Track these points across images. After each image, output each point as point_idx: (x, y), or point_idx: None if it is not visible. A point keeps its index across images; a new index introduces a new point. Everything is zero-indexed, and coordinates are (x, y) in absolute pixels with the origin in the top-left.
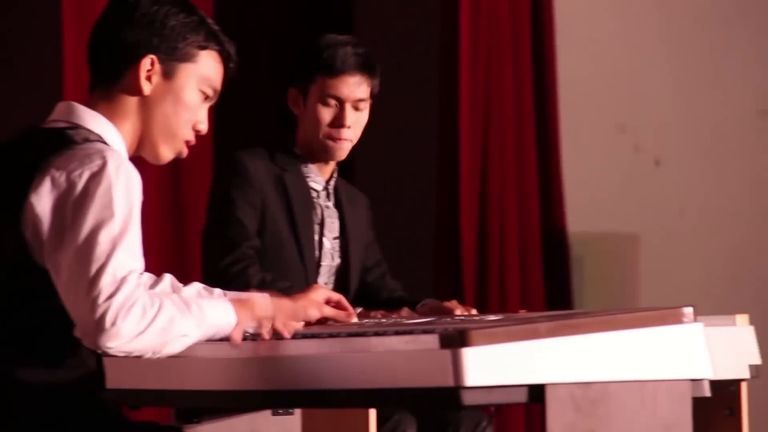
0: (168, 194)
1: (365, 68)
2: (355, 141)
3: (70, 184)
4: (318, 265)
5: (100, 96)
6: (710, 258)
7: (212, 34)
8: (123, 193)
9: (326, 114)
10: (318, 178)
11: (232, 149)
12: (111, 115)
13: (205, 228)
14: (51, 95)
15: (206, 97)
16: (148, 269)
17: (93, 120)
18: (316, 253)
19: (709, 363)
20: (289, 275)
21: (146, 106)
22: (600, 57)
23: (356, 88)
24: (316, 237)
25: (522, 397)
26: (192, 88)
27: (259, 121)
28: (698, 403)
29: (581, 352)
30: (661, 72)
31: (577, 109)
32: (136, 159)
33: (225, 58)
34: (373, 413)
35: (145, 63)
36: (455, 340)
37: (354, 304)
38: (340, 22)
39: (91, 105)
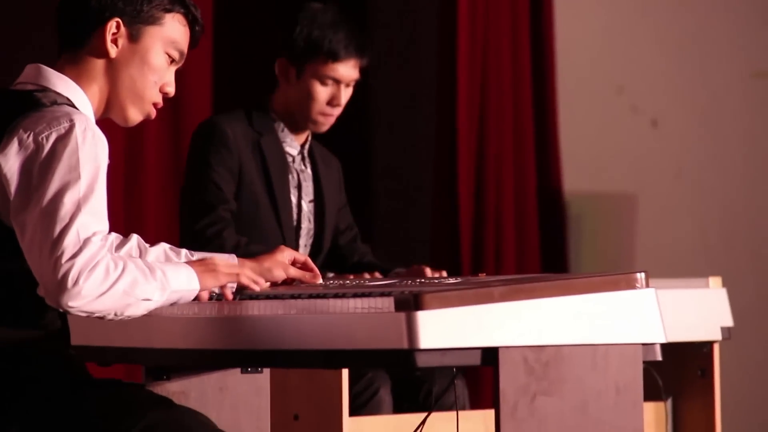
0: (169, 157)
1: (363, 51)
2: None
3: (38, 145)
4: (298, 227)
5: (67, 59)
6: (706, 217)
7: None
8: (89, 155)
9: (323, 93)
10: (294, 143)
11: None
12: (78, 78)
13: (182, 190)
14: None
15: (172, 60)
16: (148, 230)
17: (61, 83)
18: (295, 216)
19: (661, 328)
20: (267, 239)
21: (113, 68)
22: (598, 19)
23: (354, 70)
24: (294, 200)
25: (475, 359)
26: (158, 51)
27: (258, 87)
28: (671, 364)
29: (534, 316)
30: (658, 34)
31: (575, 71)
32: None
33: (191, 21)
34: (345, 373)
35: (111, 26)
36: (409, 304)
37: (324, 267)
38: None
39: (60, 68)
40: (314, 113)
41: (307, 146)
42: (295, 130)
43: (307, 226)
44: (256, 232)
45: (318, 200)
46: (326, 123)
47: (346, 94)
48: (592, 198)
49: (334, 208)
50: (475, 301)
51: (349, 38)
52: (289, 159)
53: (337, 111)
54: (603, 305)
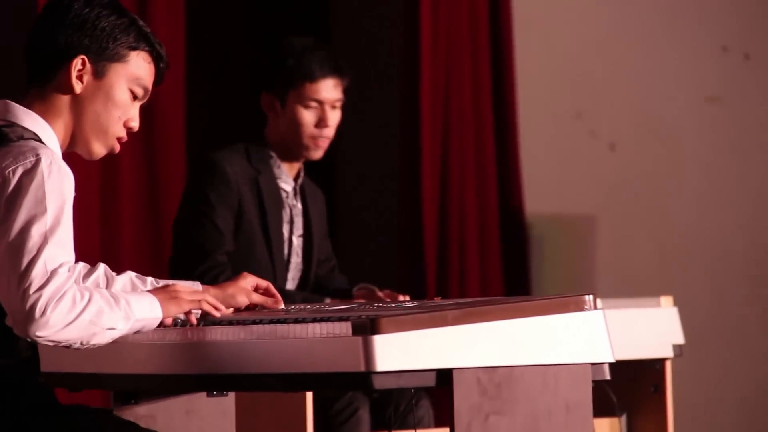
0: (143, 187)
1: (341, 71)
2: (332, 138)
3: (4, 179)
4: (288, 262)
5: (35, 95)
6: (662, 238)
7: (143, 35)
8: (55, 189)
9: (309, 116)
10: (288, 179)
11: (205, 145)
12: (45, 113)
13: (179, 225)
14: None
15: (136, 96)
16: (123, 258)
17: (28, 118)
18: (286, 251)
19: (609, 348)
20: (258, 273)
21: (78, 104)
22: (557, 47)
23: (334, 90)
24: (286, 234)
25: (430, 381)
26: (122, 87)
27: (231, 118)
28: (625, 381)
29: (487, 338)
30: (615, 62)
31: (536, 98)
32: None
33: (155, 59)
34: (309, 395)
35: (77, 63)
36: (366, 328)
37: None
38: (314, 22)
39: (27, 103)
40: (305, 138)
41: (300, 181)
42: (291, 159)
43: (295, 260)
44: (250, 266)
45: (306, 235)
46: (318, 147)
47: (333, 116)
48: (553, 220)
49: (319, 243)
50: (429, 324)
51: (323, 59)
52: (284, 195)
53: (327, 133)
54: (553, 327)
